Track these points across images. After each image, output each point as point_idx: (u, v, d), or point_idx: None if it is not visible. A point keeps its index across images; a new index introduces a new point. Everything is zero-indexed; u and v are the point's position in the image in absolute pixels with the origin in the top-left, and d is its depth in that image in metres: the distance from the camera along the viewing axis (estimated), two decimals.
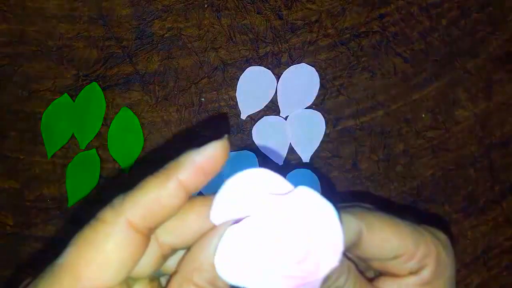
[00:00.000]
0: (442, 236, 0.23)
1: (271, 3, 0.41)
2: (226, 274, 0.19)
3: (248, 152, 0.40)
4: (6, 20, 0.41)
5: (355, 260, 0.24)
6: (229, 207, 0.20)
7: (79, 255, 0.18)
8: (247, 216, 0.20)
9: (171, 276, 0.20)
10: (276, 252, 0.19)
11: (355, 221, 0.21)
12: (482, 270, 0.39)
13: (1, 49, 0.41)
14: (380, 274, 0.24)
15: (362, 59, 0.40)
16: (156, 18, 0.41)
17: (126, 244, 0.18)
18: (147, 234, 0.19)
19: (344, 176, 0.40)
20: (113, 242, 0.18)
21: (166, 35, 0.41)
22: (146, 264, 0.20)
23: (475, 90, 0.40)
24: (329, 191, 0.39)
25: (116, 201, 0.19)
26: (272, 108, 0.40)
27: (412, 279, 0.22)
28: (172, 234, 0.20)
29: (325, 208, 0.19)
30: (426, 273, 0.22)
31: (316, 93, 0.40)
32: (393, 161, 0.40)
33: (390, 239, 0.22)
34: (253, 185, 0.20)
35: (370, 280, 0.24)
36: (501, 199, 0.40)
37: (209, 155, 0.19)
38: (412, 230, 0.22)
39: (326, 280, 0.21)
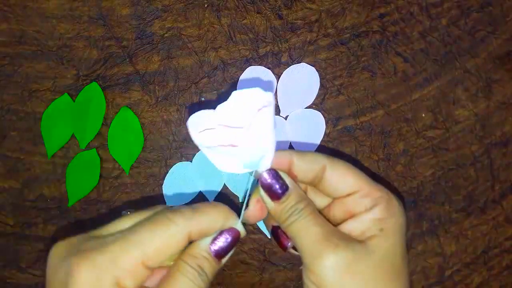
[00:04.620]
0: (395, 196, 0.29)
1: (271, 3, 0.41)
2: (197, 139, 0.27)
3: None
4: (6, 20, 0.41)
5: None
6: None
7: (150, 240, 0.24)
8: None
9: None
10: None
11: (321, 157, 0.28)
12: (482, 270, 0.39)
13: (1, 49, 0.41)
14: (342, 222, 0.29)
15: (362, 59, 0.40)
16: (156, 18, 0.41)
17: (179, 246, 0.25)
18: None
19: None
20: (175, 242, 0.25)
21: (166, 35, 0.41)
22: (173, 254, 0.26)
23: (475, 89, 0.40)
24: None
25: (187, 213, 0.25)
26: None
27: (368, 216, 0.27)
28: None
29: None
30: (378, 210, 0.27)
31: (316, 93, 0.40)
32: (393, 161, 0.40)
33: (347, 176, 0.28)
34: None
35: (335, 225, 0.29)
36: (501, 198, 0.40)
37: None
38: (369, 179, 0.28)
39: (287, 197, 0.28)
